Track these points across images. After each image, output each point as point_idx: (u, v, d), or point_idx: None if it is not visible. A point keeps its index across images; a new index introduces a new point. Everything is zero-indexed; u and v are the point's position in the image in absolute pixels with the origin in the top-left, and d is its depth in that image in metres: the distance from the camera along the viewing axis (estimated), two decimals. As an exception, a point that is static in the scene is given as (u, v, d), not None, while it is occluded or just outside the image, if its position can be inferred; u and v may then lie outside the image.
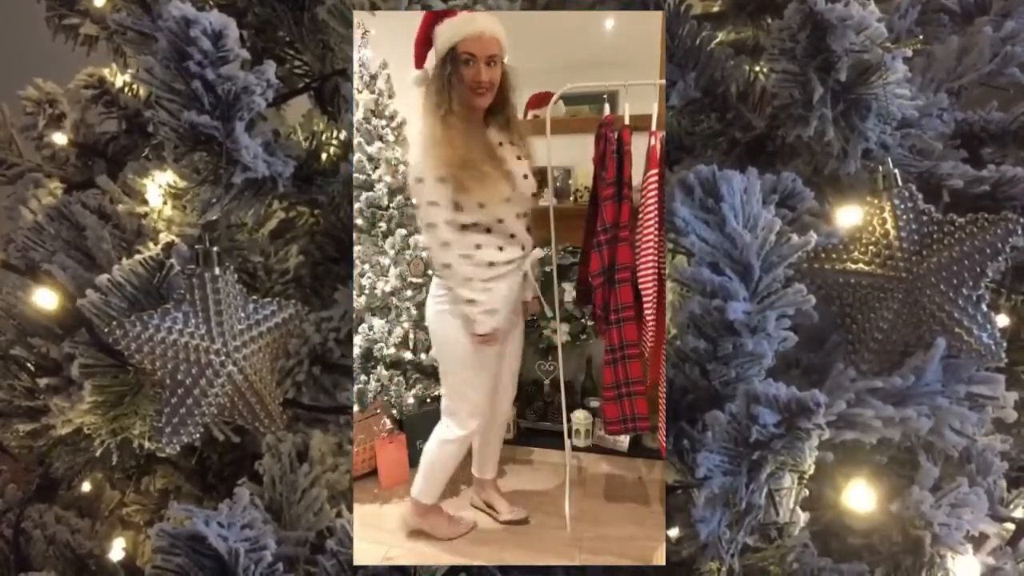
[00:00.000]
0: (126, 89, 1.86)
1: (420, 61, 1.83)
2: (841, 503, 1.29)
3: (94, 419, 1.30)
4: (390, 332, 2.83)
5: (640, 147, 2.02)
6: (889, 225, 1.19)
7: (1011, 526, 1.36)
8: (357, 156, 2.72)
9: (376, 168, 2.81)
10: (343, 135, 1.51)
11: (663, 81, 1.58)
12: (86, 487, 1.79)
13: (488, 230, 1.88)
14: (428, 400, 2.84)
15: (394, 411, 2.82)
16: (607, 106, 2.54)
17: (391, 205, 2.81)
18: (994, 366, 1.18)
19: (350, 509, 1.28)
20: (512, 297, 1.99)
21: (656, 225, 1.92)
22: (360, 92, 2.78)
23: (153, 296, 1.25)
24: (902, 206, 1.19)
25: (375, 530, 2.39)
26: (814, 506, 1.28)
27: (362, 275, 2.83)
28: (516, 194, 1.89)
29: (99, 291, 1.22)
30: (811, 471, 1.18)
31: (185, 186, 1.42)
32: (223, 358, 1.18)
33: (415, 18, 1.70)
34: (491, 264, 1.90)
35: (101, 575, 1.63)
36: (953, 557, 1.24)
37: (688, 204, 1.17)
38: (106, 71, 1.87)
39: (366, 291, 2.82)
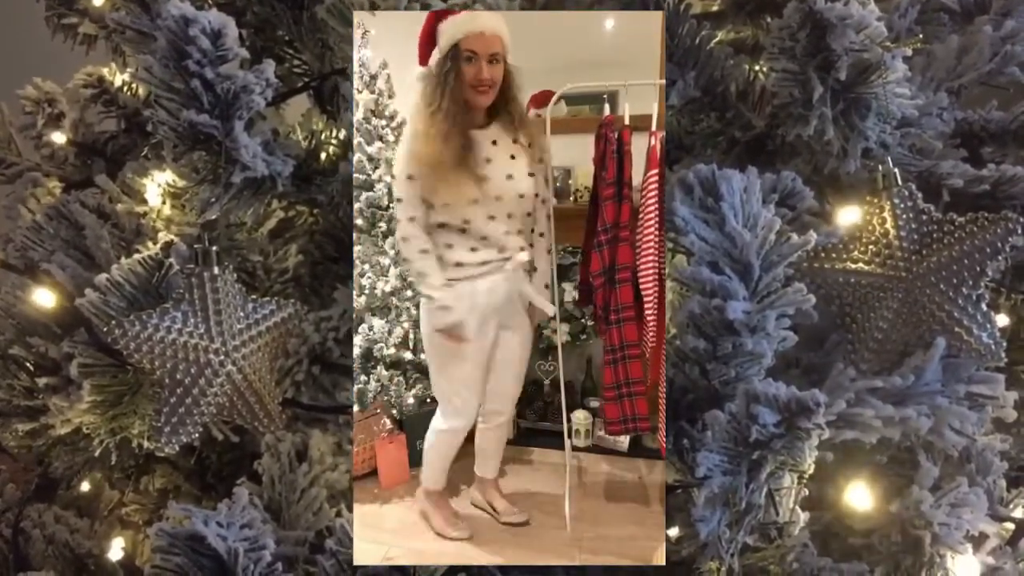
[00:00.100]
0: (125, 88, 1.86)
1: (424, 59, 1.83)
2: (841, 503, 1.29)
3: (93, 419, 1.30)
4: (390, 332, 2.83)
5: (640, 147, 2.02)
6: (889, 224, 1.19)
7: (1011, 526, 1.36)
8: (357, 156, 2.72)
9: (376, 168, 2.81)
10: (342, 134, 1.51)
11: (663, 81, 1.58)
12: (85, 487, 1.79)
13: (462, 231, 1.90)
14: (428, 400, 2.84)
15: (394, 411, 2.82)
16: (607, 106, 2.54)
17: (391, 205, 2.80)
18: (994, 365, 1.18)
19: (350, 509, 1.27)
20: (493, 299, 1.99)
21: (656, 225, 1.92)
22: (360, 92, 2.78)
23: (152, 295, 1.25)
24: (902, 205, 1.18)
25: (375, 530, 2.39)
26: (814, 506, 1.28)
27: (362, 275, 2.83)
28: (488, 196, 1.87)
29: (98, 290, 1.22)
30: (811, 471, 1.18)
31: (184, 185, 1.42)
32: (222, 357, 1.18)
33: (415, 18, 1.69)
34: (459, 264, 1.93)
35: (100, 575, 1.63)
36: (953, 557, 1.24)
37: (688, 203, 1.17)
38: (105, 70, 1.87)
39: (366, 291, 2.82)
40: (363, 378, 2.83)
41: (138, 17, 1.53)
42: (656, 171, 1.93)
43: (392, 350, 2.81)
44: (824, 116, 1.33)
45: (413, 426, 2.77)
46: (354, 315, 2.07)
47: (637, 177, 2.05)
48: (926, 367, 1.16)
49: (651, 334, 2.03)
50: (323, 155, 1.50)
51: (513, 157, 1.92)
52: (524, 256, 1.98)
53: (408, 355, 2.84)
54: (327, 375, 1.41)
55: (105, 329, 1.13)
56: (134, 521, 1.77)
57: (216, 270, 1.16)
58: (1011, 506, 1.39)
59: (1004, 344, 1.17)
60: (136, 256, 1.27)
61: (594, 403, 3.06)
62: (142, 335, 1.12)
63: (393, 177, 1.93)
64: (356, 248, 2.82)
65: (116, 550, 1.66)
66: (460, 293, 1.94)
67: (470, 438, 2.33)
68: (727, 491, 1.13)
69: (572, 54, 2.68)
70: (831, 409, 1.10)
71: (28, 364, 1.38)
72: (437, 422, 2.20)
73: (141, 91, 1.85)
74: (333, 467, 1.33)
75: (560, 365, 2.45)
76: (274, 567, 1.09)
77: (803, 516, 1.23)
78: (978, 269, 1.15)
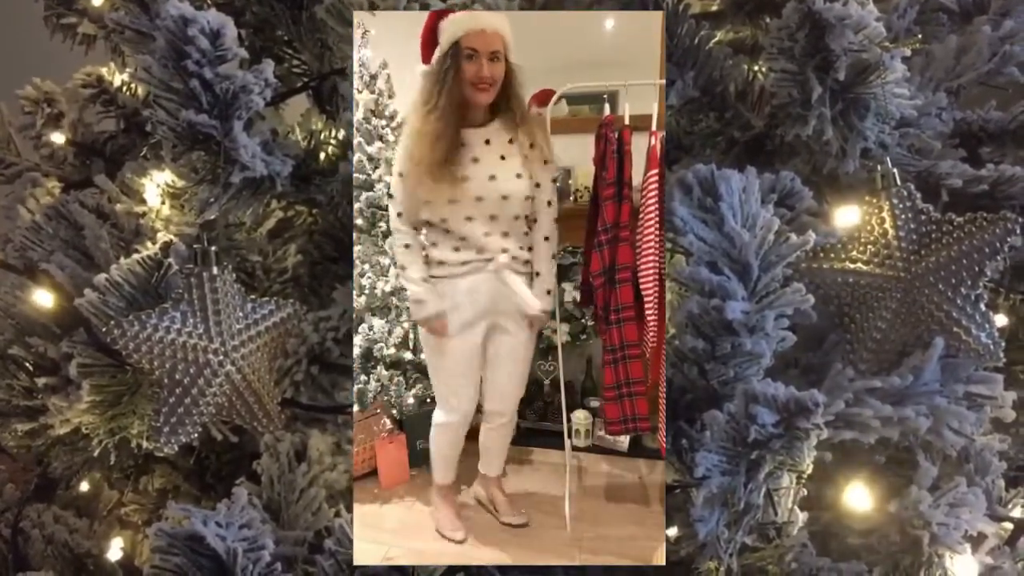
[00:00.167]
0: (124, 88, 1.86)
1: (427, 57, 1.83)
2: (839, 503, 1.29)
3: (92, 419, 1.30)
4: (390, 332, 2.82)
5: (640, 147, 2.02)
6: (888, 224, 1.19)
7: (1009, 526, 1.36)
8: (357, 156, 2.72)
9: (376, 168, 2.81)
10: (341, 134, 1.51)
11: (663, 81, 1.58)
12: (84, 487, 1.79)
13: (445, 230, 1.93)
14: (428, 400, 2.83)
15: (394, 411, 2.82)
16: (607, 106, 2.54)
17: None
18: (992, 365, 1.18)
19: (349, 509, 1.27)
20: (476, 299, 1.99)
21: (656, 225, 1.91)
22: (360, 92, 2.78)
23: (151, 295, 1.25)
24: (900, 205, 1.18)
25: (375, 530, 2.39)
26: (812, 506, 1.28)
27: (362, 275, 2.83)
28: (467, 196, 1.87)
29: (97, 290, 1.22)
30: (809, 471, 1.18)
31: (183, 185, 1.42)
32: (221, 357, 1.18)
33: (415, 18, 1.69)
34: (441, 263, 1.98)
35: (99, 575, 1.63)
36: (951, 557, 1.23)
37: (686, 203, 1.17)
38: (104, 70, 1.87)
39: (366, 291, 2.82)
40: (363, 378, 2.83)
41: (137, 17, 1.53)
42: (656, 171, 1.93)
43: (392, 350, 2.81)
44: (823, 116, 1.33)
45: (413, 426, 2.77)
46: (354, 315, 2.07)
47: (637, 177, 2.05)
48: (925, 367, 1.16)
49: (651, 334, 2.03)
50: (322, 155, 1.50)
51: (503, 158, 1.90)
52: (504, 258, 1.96)
53: (408, 355, 2.84)
54: (326, 375, 1.41)
55: (104, 329, 1.13)
56: (133, 521, 1.77)
57: (215, 270, 1.16)
58: (1010, 506, 1.39)
59: (1003, 344, 1.17)
60: (135, 256, 1.27)
61: (594, 403, 3.06)
62: (141, 335, 1.12)
63: (391, 175, 1.97)
64: (356, 248, 2.82)
65: (115, 550, 1.66)
66: (443, 291, 1.98)
67: (475, 436, 2.35)
68: (726, 491, 1.13)
69: (572, 54, 2.67)
70: (830, 409, 1.10)
71: (27, 364, 1.38)
72: (436, 415, 2.25)
73: (140, 91, 1.84)
74: (332, 467, 1.33)
75: (560, 365, 2.45)
76: (273, 567, 1.09)
77: (802, 516, 1.23)
78: (977, 269, 1.15)
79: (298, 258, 1.55)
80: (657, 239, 1.91)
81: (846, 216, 1.27)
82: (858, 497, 1.27)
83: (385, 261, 2.83)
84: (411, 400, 2.83)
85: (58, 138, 1.87)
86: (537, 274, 2.05)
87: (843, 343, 1.25)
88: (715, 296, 1.14)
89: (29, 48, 1.99)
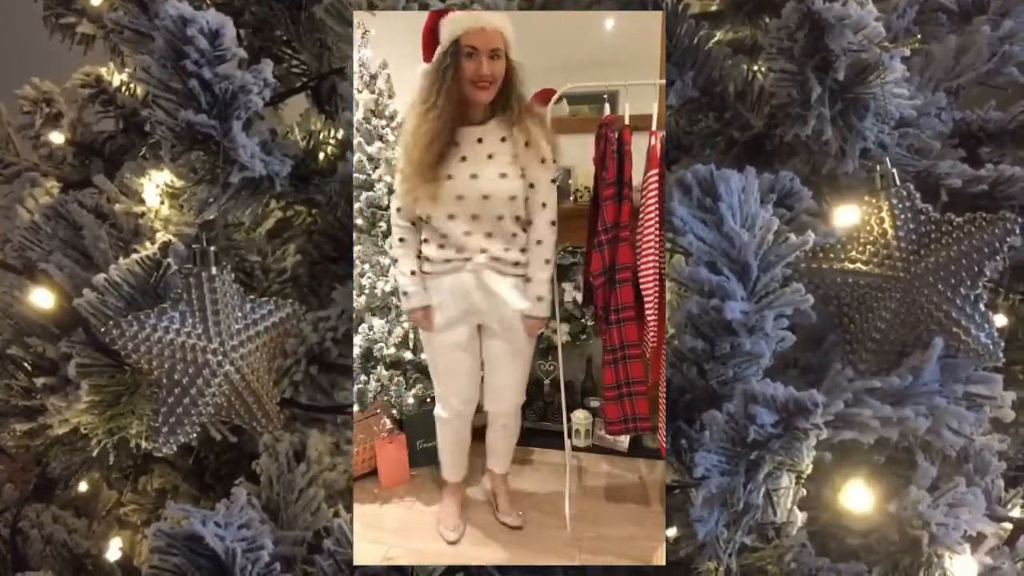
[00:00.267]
0: (123, 88, 1.86)
1: (428, 56, 1.83)
2: (839, 503, 1.29)
3: (91, 419, 1.29)
4: (390, 332, 2.82)
5: (640, 147, 2.02)
6: (887, 224, 1.19)
7: (1009, 526, 1.36)
8: (357, 156, 2.72)
9: (376, 168, 2.81)
10: (341, 134, 1.51)
11: (663, 81, 1.58)
12: (83, 487, 1.79)
13: (433, 227, 1.95)
14: (428, 400, 2.83)
15: (394, 411, 2.82)
16: (607, 106, 2.54)
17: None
18: (992, 366, 1.18)
19: (348, 509, 1.27)
20: (458, 298, 1.99)
21: (657, 225, 1.91)
22: (360, 92, 2.78)
23: (150, 295, 1.25)
24: (900, 205, 1.18)
25: (375, 530, 2.39)
26: (812, 506, 1.28)
27: (362, 275, 2.83)
28: (448, 195, 1.87)
29: (96, 290, 1.22)
30: (809, 471, 1.18)
31: (182, 185, 1.41)
32: (220, 358, 1.18)
33: (415, 18, 1.69)
34: (428, 259, 2.00)
35: (98, 575, 1.63)
36: (951, 557, 1.23)
37: (686, 203, 1.17)
38: (103, 70, 1.87)
39: (366, 291, 2.82)
40: (363, 378, 2.83)
41: (136, 17, 1.53)
42: (656, 171, 1.93)
43: (392, 350, 2.81)
44: (822, 116, 1.33)
45: (413, 426, 2.77)
46: (354, 315, 2.07)
47: (637, 177, 2.05)
48: (924, 367, 1.16)
49: (651, 334, 2.03)
50: (321, 155, 1.50)
51: (490, 156, 1.88)
52: (482, 259, 1.95)
53: (408, 355, 2.84)
54: (325, 375, 1.41)
55: (103, 329, 1.13)
56: (132, 521, 1.77)
57: (214, 270, 1.16)
58: (1009, 506, 1.39)
59: (1002, 344, 1.17)
60: (134, 256, 1.27)
61: (594, 403, 3.06)
62: (140, 335, 1.12)
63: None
64: (356, 248, 2.82)
65: (114, 550, 1.66)
66: (429, 286, 2.01)
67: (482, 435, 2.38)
68: (725, 491, 1.13)
69: (572, 54, 2.67)
70: (829, 409, 1.10)
71: (26, 364, 1.38)
72: (436, 410, 2.28)
73: (139, 91, 1.84)
74: (331, 467, 1.33)
75: (560, 365, 2.45)
76: (272, 567, 1.09)
77: (801, 516, 1.23)
78: (976, 269, 1.15)
79: (297, 258, 1.54)
80: (657, 239, 1.91)
81: (845, 216, 1.26)
82: (857, 497, 1.27)
83: (385, 261, 2.83)
84: (411, 400, 2.83)
85: (57, 138, 1.87)
86: (528, 279, 1.99)
87: (842, 343, 1.25)
88: (714, 296, 1.14)
89: (28, 48, 1.99)
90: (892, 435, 1.16)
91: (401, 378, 2.83)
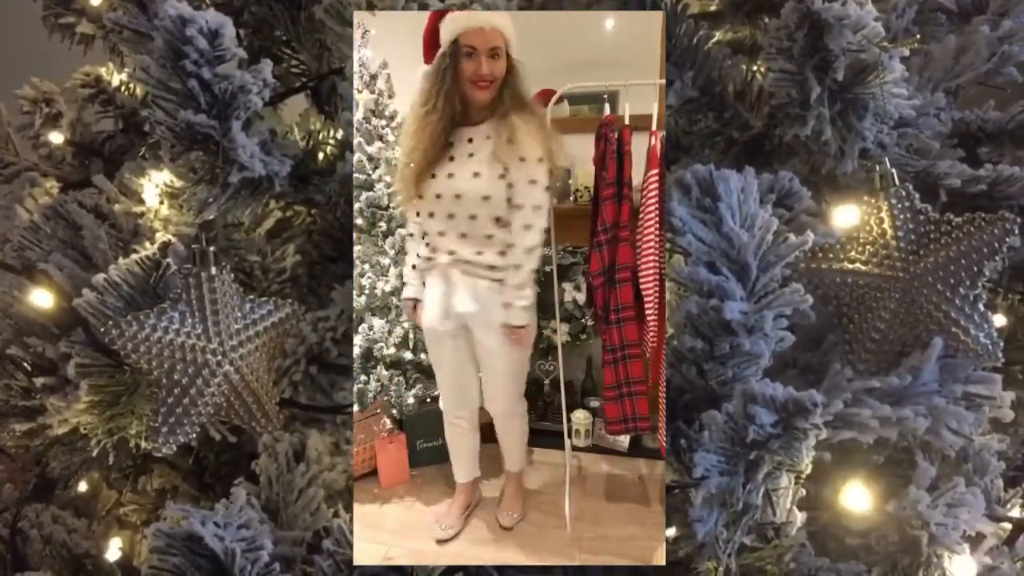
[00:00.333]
0: (123, 88, 1.86)
1: (429, 57, 1.83)
2: (838, 503, 1.29)
3: (91, 419, 1.29)
4: (390, 332, 2.83)
5: (640, 147, 2.02)
6: (886, 224, 1.19)
7: (1008, 526, 1.36)
8: (357, 156, 2.72)
9: (376, 168, 2.81)
10: (340, 134, 1.51)
11: (663, 81, 1.58)
12: (83, 487, 1.79)
13: (422, 225, 2.00)
14: (428, 400, 2.84)
15: (394, 411, 2.82)
16: (607, 106, 2.54)
17: (391, 205, 2.80)
18: (991, 366, 1.18)
19: (348, 509, 1.27)
20: (438, 295, 2.00)
21: (656, 225, 1.92)
22: (360, 92, 2.78)
23: (149, 296, 1.25)
24: (899, 205, 1.18)
25: (375, 530, 2.39)
26: (811, 506, 1.28)
27: (362, 275, 2.83)
28: (429, 194, 1.88)
29: (95, 291, 1.22)
30: (808, 471, 1.18)
31: (182, 185, 1.41)
32: (219, 358, 1.18)
33: (415, 18, 1.69)
34: (418, 256, 2.05)
35: (98, 575, 1.63)
36: (950, 557, 1.23)
37: (685, 203, 1.17)
38: (103, 70, 1.87)
39: (366, 291, 2.82)
40: (363, 378, 2.83)
41: (135, 17, 1.53)
42: (656, 171, 1.93)
43: (392, 350, 2.81)
44: (822, 116, 1.33)
45: (413, 426, 2.78)
46: (354, 315, 2.07)
47: (637, 177, 2.05)
48: (923, 367, 1.16)
49: (651, 334, 2.03)
50: (321, 155, 1.50)
51: (471, 155, 1.85)
52: (445, 259, 1.94)
53: (408, 355, 2.84)
54: (325, 375, 1.41)
55: (102, 329, 1.13)
56: (132, 521, 1.77)
57: (213, 270, 1.16)
58: (1008, 506, 1.39)
59: (1001, 344, 1.17)
60: (133, 256, 1.27)
61: (594, 403, 3.07)
62: (139, 335, 1.12)
63: None
64: (356, 248, 2.82)
65: (114, 550, 1.66)
66: (425, 283, 2.06)
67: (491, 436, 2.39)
68: (724, 491, 1.13)
69: (572, 54, 2.68)
70: (828, 409, 1.10)
71: (26, 364, 1.38)
72: (440, 404, 2.32)
73: (139, 91, 1.84)
74: (331, 467, 1.33)
75: (560, 365, 2.45)
76: (271, 567, 1.09)
77: (800, 516, 1.23)
78: (975, 269, 1.15)
79: (296, 258, 1.54)
80: (657, 239, 1.91)
81: (845, 216, 1.26)
82: (857, 497, 1.27)
83: (385, 261, 2.83)
84: (411, 400, 2.83)
85: (56, 138, 1.87)
86: (501, 282, 1.91)
87: (842, 343, 1.25)
88: (714, 296, 1.14)
89: (28, 48, 1.99)
90: (891, 435, 1.16)
91: (401, 378, 2.83)
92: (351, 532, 1.16)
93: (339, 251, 1.55)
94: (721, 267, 1.14)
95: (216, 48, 1.17)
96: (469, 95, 1.80)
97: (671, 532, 1.26)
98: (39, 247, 1.53)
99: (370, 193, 2.79)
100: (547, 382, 3.16)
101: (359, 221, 2.81)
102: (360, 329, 2.82)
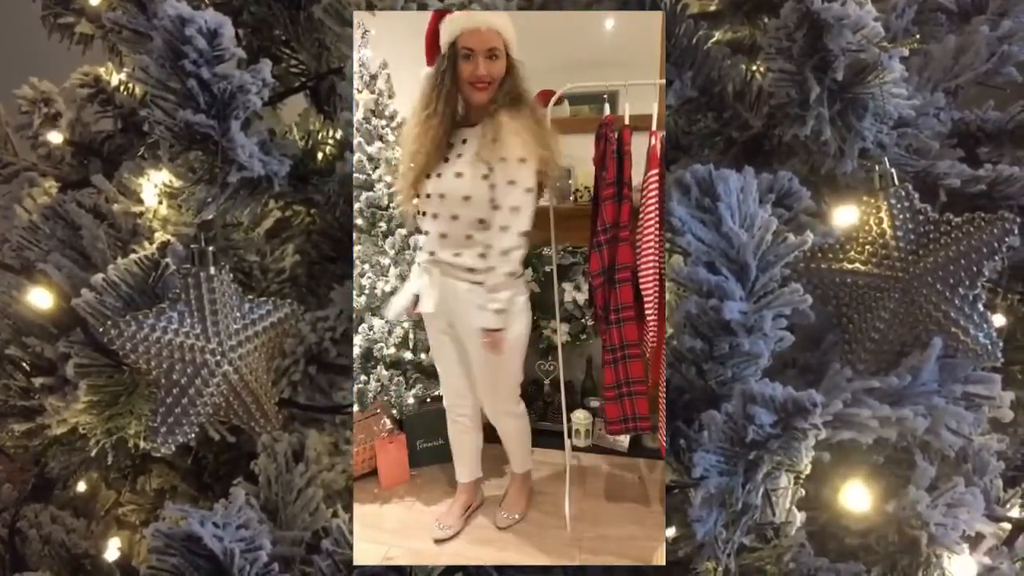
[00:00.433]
0: (122, 88, 1.86)
1: (431, 59, 1.83)
2: (837, 503, 1.29)
3: (89, 419, 1.29)
4: (390, 332, 2.82)
5: (640, 147, 2.02)
6: (886, 224, 1.19)
7: (1007, 526, 1.36)
8: (357, 156, 2.72)
9: (376, 168, 2.81)
10: (339, 134, 1.51)
11: (663, 81, 1.58)
12: (81, 487, 1.79)
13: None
14: (428, 400, 2.84)
15: (394, 411, 2.82)
16: (607, 106, 2.54)
17: (391, 205, 2.80)
18: (990, 366, 1.18)
19: (348, 509, 1.27)
20: (431, 293, 2.00)
21: (656, 225, 1.92)
22: (360, 92, 2.78)
23: (148, 296, 1.25)
24: (899, 205, 1.18)
25: (375, 530, 2.39)
26: (810, 506, 1.28)
27: (362, 275, 2.83)
28: (422, 196, 1.90)
29: (94, 290, 1.22)
30: (807, 471, 1.18)
31: (181, 185, 1.41)
32: (218, 358, 1.17)
33: (415, 18, 1.69)
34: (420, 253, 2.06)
35: (96, 575, 1.62)
36: (949, 557, 1.23)
37: (684, 203, 1.17)
38: (102, 70, 1.87)
39: (366, 291, 2.82)
40: (363, 378, 2.83)
41: (134, 17, 1.53)
42: (656, 171, 1.93)
43: (392, 350, 2.81)
44: (821, 116, 1.33)
45: (413, 426, 2.78)
46: (354, 315, 2.07)
47: (637, 177, 2.05)
48: (923, 367, 1.16)
49: (651, 334, 2.03)
50: (320, 155, 1.49)
51: (460, 156, 1.84)
52: (421, 257, 2.00)
53: (408, 355, 2.84)
54: (324, 375, 1.41)
55: (101, 329, 1.13)
56: (130, 521, 1.77)
57: (212, 270, 1.16)
58: (1008, 506, 1.39)
59: (1000, 344, 1.17)
60: (132, 256, 1.27)
61: (594, 403, 3.06)
62: (138, 335, 1.12)
63: None
64: (356, 248, 2.82)
65: (112, 550, 1.66)
66: (423, 279, 2.04)
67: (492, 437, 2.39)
68: (724, 491, 1.13)
69: (572, 54, 2.67)
70: (828, 409, 1.10)
71: (24, 364, 1.38)
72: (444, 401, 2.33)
73: (138, 91, 1.84)
74: (330, 467, 1.33)
75: (560, 365, 2.45)
76: (270, 567, 1.09)
77: (799, 516, 1.23)
78: (975, 269, 1.15)
79: (296, 258, 1.54)
80: (657, 239, 1.91)
81: (844, 216, 1.26)
82: (856, 497, 1.27)
83: (385, 261, 2.83)
84: (411, 400, 2.83)
85: (55, 138, 1.87)
86: (481, 284, 1.87)
87: (841, 343, 1.24)
88: (713, 296, 1.13)
89: (27, 48, 2.00)
90: (891, 435, 1.16)
91: (401, 378, 2.83)
92: (350, 532, 1.15)
93: (339, 251, 1.55)
94: (720, 267, 1.14)
95: (215, 48, 1.17)
96: (468, 96, 1.80)
97: (671, 532, 1.26)
98: (38, 247, 1.53)
99: (370, 193, 2.79)
100: (547, 382, 3.16)
101: (359, 221, 2.81)
102: (360, 329, 2.82)
